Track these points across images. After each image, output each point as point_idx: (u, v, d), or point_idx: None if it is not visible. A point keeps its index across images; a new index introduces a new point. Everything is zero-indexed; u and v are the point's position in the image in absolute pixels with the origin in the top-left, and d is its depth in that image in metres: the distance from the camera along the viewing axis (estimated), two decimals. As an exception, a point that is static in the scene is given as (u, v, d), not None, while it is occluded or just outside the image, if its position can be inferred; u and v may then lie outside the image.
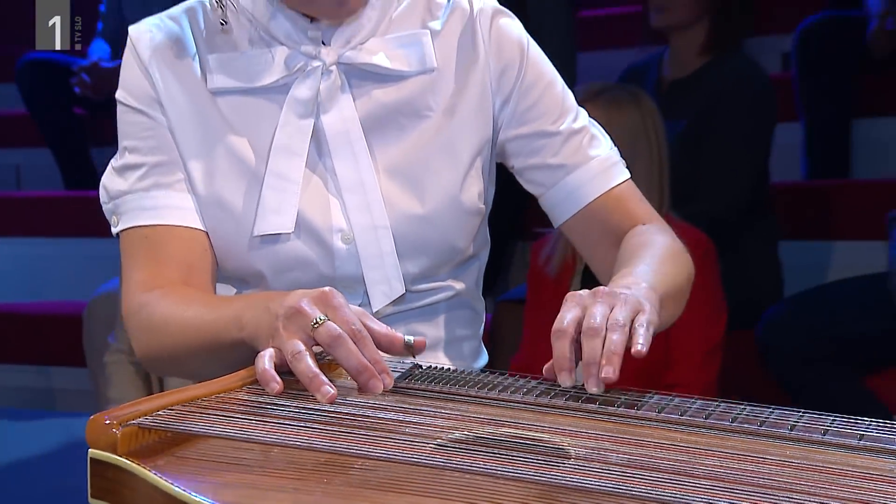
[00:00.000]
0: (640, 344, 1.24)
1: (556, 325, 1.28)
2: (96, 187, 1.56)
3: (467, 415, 1.20)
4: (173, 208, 1.52)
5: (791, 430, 1.16)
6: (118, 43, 5.50)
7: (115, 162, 1.57)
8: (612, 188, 1.59)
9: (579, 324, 1.26)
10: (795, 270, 3.89)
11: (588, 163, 1.59)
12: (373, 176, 1.51)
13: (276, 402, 1.21)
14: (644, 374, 3.08)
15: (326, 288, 1.30)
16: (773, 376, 3.33)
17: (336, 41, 1.51)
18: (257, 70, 1.52)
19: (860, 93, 4.40)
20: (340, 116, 1.51)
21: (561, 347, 1.26)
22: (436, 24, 1.56)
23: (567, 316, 1.28)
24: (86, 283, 4.64)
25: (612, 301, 1.28)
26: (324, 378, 1.22)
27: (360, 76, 1.53)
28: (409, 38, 1.54)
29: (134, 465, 1.06)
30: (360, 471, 1.06)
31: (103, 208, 1.58)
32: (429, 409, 1.21)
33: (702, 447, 1.12)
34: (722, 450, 1.12)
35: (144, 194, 1.52)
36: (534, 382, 1.30)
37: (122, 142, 1.56)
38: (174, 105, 1.53)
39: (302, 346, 1.24)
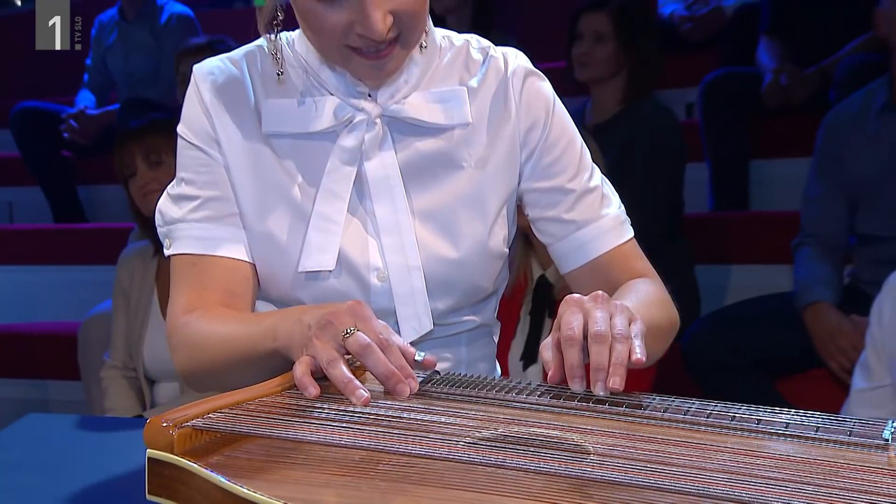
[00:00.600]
0: (639, 354, 1.20)
1: (564, 331, 1.22)
2: (83, 221, 1.53)
3: (491, 415, 1.17)
4: (221, 240, 1.47)
5: (786, 427, 1.14)
6: (103, 93, 5.58)
7: (171, 190, 1.52)
8: (618, 245, 1.56)
9: (584, 328, 1.22)
10: (702, 290, 3.95)
11: (599, 220, 1.55)
12: (409, 220, 1.47)
13: (314, 405, 1.17)
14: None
15: (354, 300, 1.27)
16: (697, 382, 3.36)
17: (381, 96, 1.48)
18: (309, 117, 1.47)
19: (756, 137, 4.49)
20: (382, 164, 1.47)
21: (572, 356, 1.21)
22: (473, 82, 1.52)
23: (574, 322, 1.23)
24: (74, 306, 4.66)
25: (610, 307, 1.25)
26: (357, 383, 1.19)
27: (401, 128, 1.49)
28: (449, 93, 1.50)
29: (191, 463, 1.02)
30: (398, 467, 1.03)
31: (158, 231, 1.53)
32: (454, 410, 1.18)
33: (709, 443, 1.10)
34: (727, 445, 1.09)
35: (196, 224, 1.48)
36: (546, 386, 1.26)
37: (180, 172, 1.51)
38: (231, 145, 1.49)
39: (336, 354, 1.21)
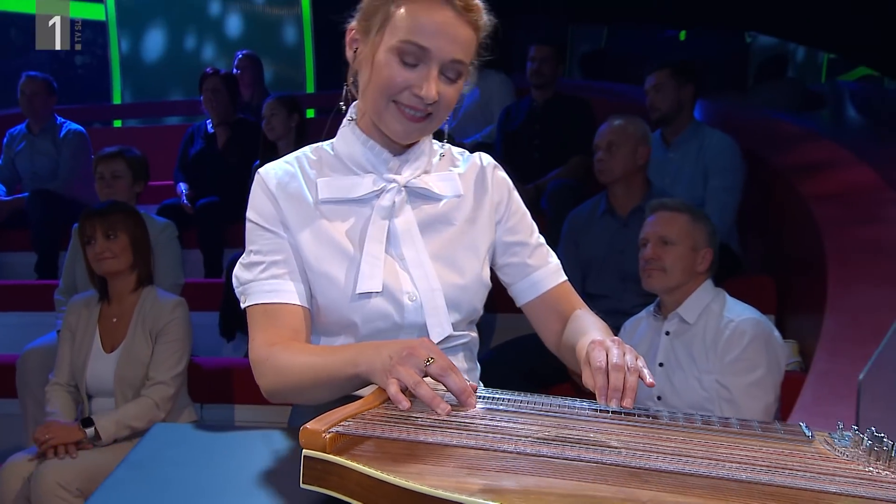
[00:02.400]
0: (650, 379, 1.35)
1: (596, 364, 1.35)
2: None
3: (539, 421, 1.24)
4: (284, 292, 1.55)
5: (740, 427, 1.26)
6: (11, 185, 5.90)
7: (243, 261, 1.59)
8: (561, 283, 1.74)
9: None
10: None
11: (547, 265, 1.73)
12: (427, 258, 1.59)
13: (410, 414, 1.23)
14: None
15: (423, 338, 1.37)
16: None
17: (404, 172, 1.61)
18: (352, 187, 1.60)
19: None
20: (406, 220, 1.60)
21: (602, 380, 1.33)
22: (459, 169, 1.69)
23: (601, 357, 1.36)
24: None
25: (623, 348, 1.39)
26: (440, 398, 1.26)
27: (417, 195, 1.63)
28: (447, 175, 1.67)
29: (342, 459, 1.08)
30: (496, 460, 1.08)
31: (235, 290, 1.60)
32: (511, 417, 1.25)
33: (706, 440, 1.19)
34: (717, 440, 1.19)
35: (265, 282, 1.55)
36: (567, 399, 1.36)
37: (250, 246, 1.59)
38: (292, 218, 1.57)
39: (419, 378, 1.28)
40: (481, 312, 1.68)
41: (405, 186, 1.60)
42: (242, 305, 1.57)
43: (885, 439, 1.16)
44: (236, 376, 4.11)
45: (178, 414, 3.46)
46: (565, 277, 1.74)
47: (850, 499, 1.01)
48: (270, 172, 1.60)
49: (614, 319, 3.25)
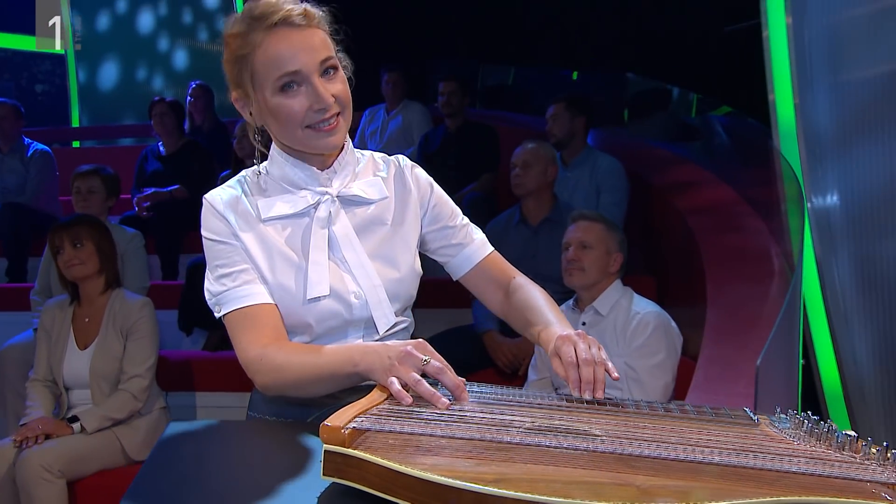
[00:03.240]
0: (616, 374, 1.33)
1: (567, 359, 1.34)
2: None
3: (527, 411, 1.19)
4: (257, 294, 1.45)
5: (698, 413, 1.23)
6: None
7: (210, 276, 1.47)
8: (489, 254, 1.67)
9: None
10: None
11: (473, 241, 1.66)
12: (366, 258, 1.51)
13: (412, 409, 1.17)
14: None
15: (419, 340, 1.29)
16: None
17: (335, 183, 1.52)
18: (289, 203, 1.50)
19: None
20: (343, 226, 1.51)
21: (574, 374, 1.32)
22: (382, 174, 1.59)
23: (571, 353, 1.34)
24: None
25: (588, 340, 1.37)
26: (439, 394, 1.20)
27: (349, 202, 1.53)
28: (372, 181, 1.57)
29: (361, 453, 1.01)
30: (500, 451, 1.03)
31: (208, 302, 1.48)
32: (503, 409, 1.19)
33: (674, 426, 1.16)
34: (682, 426, 1.16)
35: (238, 289, 1.44)
36: (544, 393, 1.31)
37: (213, 262, 1.47)
38: (243, 233, 1.47)
39: (418, 376, 1.22)
40: (415, 298, 1.62)
41: (337, 196, 1.51)
42: (219, 315, 1.46)
43: (820, 422, 1.15)
44: (196, 367, 3.97)
45: (151, 403, 3.32)
46: (492, 249, 1.68)
47: (809, 477, 0.99)
48: (216, 197, 1.49)
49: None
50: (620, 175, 4.15)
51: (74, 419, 3.12)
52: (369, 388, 1.27)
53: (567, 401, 1.27)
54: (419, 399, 1.20)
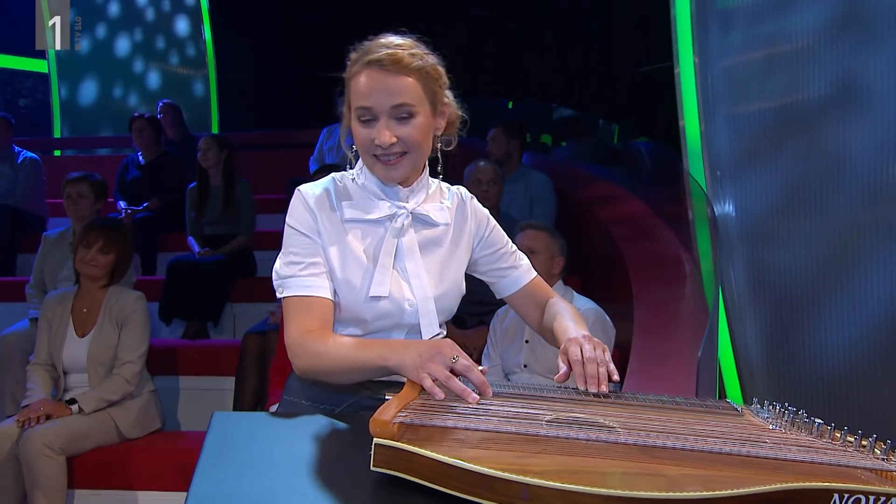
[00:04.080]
0: (616, 376, 1.28)
1: (573, 357, 1.30)
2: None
3: (543, 404, 1.13)
4: (319, 287, 1.37)
5: (690, 404, 1.18)
6: None
7: (283, 259, 1.40)
8: (533, 278, 1.61)
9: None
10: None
11: (521, 266, 1.60)
12: (423, 272, 1.44)
13: (445, 403, 1.09)
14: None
15: (448, 339, 1.22)
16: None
17: (410, 201, 1.44)
18: (370, 210, 1.43)
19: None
20: (410, 240, 1.43)
21: (580, 370, 1.28)
22: (447, 202, 1.51)
23: (577, 353, 1.30)
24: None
25: (593, 342, 1.32)
26: (469, 389, 1.13)
27: (418, 220, 1.46)
28: (440, 206, 1.49)
29: (411, 446, 0.93)
30: (535, 444, 0.97)
31: (274, 283, 1.41)
32: (524, 403, 1.13)
33: (677, 417, 1.11)
34: (684, 417, 1.11)
35: (304, 278, 1.37)
36: (560, 387, 1.25)
37: (290, 248, 1.40)
38: (324, 229, 1.40)
39: (448, 373, 1.14)
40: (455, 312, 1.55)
41: (411, 213, 1.44)
42: (280, 295, 1.39)
43: (799, 412, 1.12)
44: (179, 354, 3.79)
45: (142, 386, 3.15)
46: (536, 273, 1.62)
47: (807, 465, 0.96)
48: (309, 191, 1.42)
49: (479, 307, 3.17)
50: (550, 189, 4.15)
51: (73, 401, 2.95)
52: (393, 381, 1.19)
53: (576, 394, 1.22)
54: (449, 394, 1.13)
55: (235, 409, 3.48)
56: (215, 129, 8.19)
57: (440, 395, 1.11)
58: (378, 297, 1.39)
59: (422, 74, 1.36)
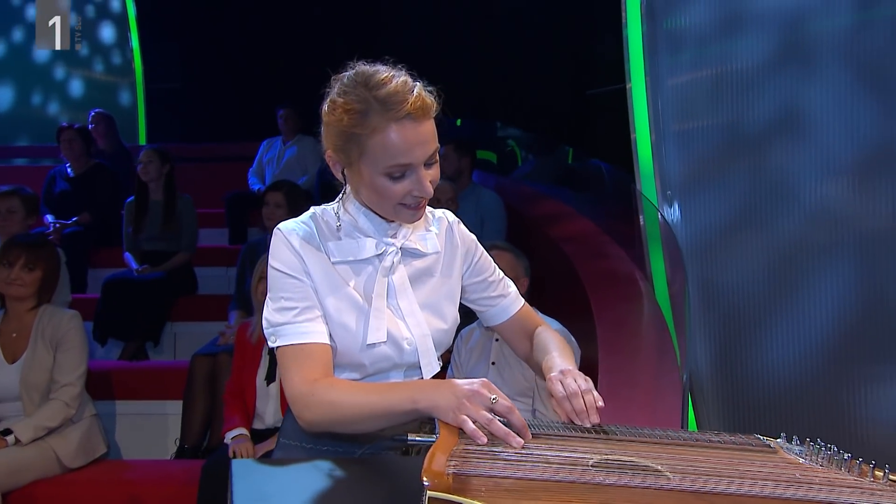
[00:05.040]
0: (601, 402, 1.22)
1: (558, 394, 1.23)
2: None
3: (587, 446, 1.07)
4: (316, 333, 1.27)
5: (722, 441, 1.15)
6: None
7: (272, 305, 1.29)
8: (522, 307, 1.54)
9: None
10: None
11: (509, 294, 1.53)
12: (417, 307, 1.35)
13: (489, 449, 1.03)
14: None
15: (484, 379, 1.14)
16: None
17: (398, 236, 1.36)
18: (359, 250, 1.33)
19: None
20: (400, 276, 1.35)
21: (567, 406, 1.22)
22: (434, 229, 1.43)
23: (559, 389, 1.24)
24: None
25: (575, 375, 1.26)
26: (512, 433, 1.06)
27: (407, 253, 1.37)
28: (426, 235, 1.41)
29: (470, 500, 0.87)
30: (591, 492, 0.92)
31: (265, 331, 1.30)
32: (564, 445, 1.07)
33: (714, 456, 1.07)
34: (722, 455, 1.07)
35: (299, 325, 1.26)
36: (576, 425, 1.20)
37: (280, 293, 1.29)
38: (314, 272, 1.30)
39: (490, 415, 1.07)
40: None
41: (401, 248, 1.36)
42: (274, 345, 1.28)
43: (833, 448, 1.10)
44: (117, 376, 3.59)
45: (82, 410, 2.94)
46: (524, 301, 1.56)
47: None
48: (292, 231, 1.31)
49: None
50: (500, 207, 4.14)
51: (7, 431, 2.72)
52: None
53: (605, 433, 1.17)
54: (491, 437, 1.06)
55: (183, 435, 3.31)
56: (143, 141, 7.87)
57: (483, 439, 1.04)
58: (376, 343, 1.30)
59: (434, 113, 1.28)
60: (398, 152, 1.22)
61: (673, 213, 3.49)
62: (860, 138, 3.15)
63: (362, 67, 1.27)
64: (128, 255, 4.31)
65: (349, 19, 6.67)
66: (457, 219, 1.50)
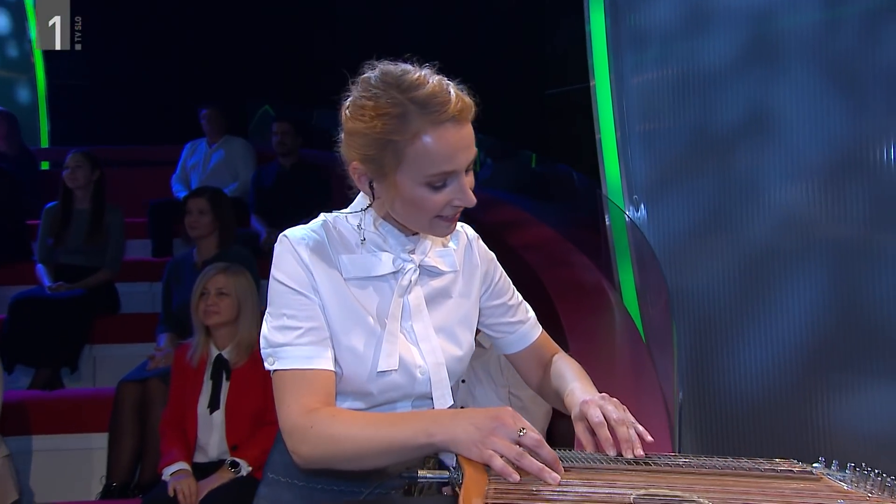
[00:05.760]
0: (647, 434, 1.20)
1: (595, 420, 1.20)
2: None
3: (624, 479, 1.03)
4: (321, 358, 1.20)
5: (764, 470, 1.13)
6: None
7: (273, 322, 1.22)
8: (541, 334, 1.49)
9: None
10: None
11: (528, 320, 1.47)
12: (433, 332, 1.30)
13: (523, 486, 0.98)
14: (255, 417, 2.80)
15: (507, 407, 1.09)
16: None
17: (417, 252, 1.30)
18: (373, 266, 1.27)
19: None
20: (417, 296, 1.29)
21: (605, 433, 1.18)
22: (452, 245, 1.37)
23: (598, 415, 1.20)
24: None
25: (613, 402, 1.24)
26: (546, 467, 1.02)
27: (425, 272, 1.32)
28: (445, 251, 1.35)
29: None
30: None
31: (262, 352, 1.23)
32: (600, 480, 1.03)
33: (762, 486, 1.05)
34: (770, 486, 1.06)
35: (302, 347, 1.20)
36: (609, 454, 1.16)
37: (281, 309, 1.22)
38: (324, 287, 1.23)
39: (519, 448, 1.02)
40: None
41: (419, 266, 1.30)
42: (271, 367, 1.21)
43: (883, 475, 1.09)
44: (31, 408, 3.39)
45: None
46: (541, 328, 1.50)
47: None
48: (300, 241, 1.24)
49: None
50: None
51: None
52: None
53: (633, 463, 1.13)
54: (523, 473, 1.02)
55: (109, 472, 3.15)
56: (45, 143, 7.54)
57: (515, 476, 1.00)
58: (386, 371, 1.25)
59: (473, 115, 1.22)
60: (442, 159, 1.16)
61: (640, 217, 3.52)
62: (830, 139, 3.25)
63: (387, 67, 1.20)
64: (40, 269, 4.10)
65: (276, 14, 6.54)
66: (476, 234, 1.44)
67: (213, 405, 2.82)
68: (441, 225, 1.23)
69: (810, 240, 3.29)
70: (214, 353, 2.88)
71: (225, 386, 2.83)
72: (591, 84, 3.52)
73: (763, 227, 3.35)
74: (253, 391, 2.80)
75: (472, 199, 1.20)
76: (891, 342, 3.15)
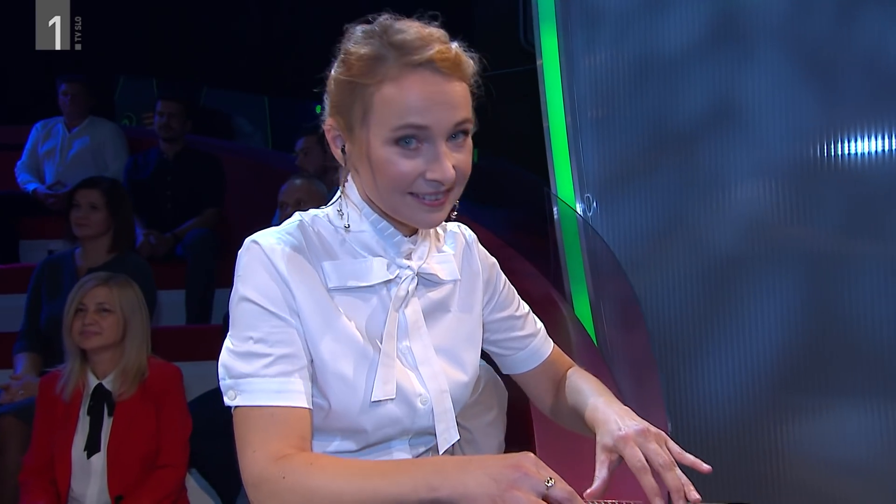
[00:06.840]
0: (706, 465, 1.14)
1: (637, 464, 1.10)
2: None
3: None
4: (294, 392, 1.08)
5: None
6: None
7: (236, 347, 1.10)
8: (554, 348, 1.40)
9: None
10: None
11: (539, 333, 1.39)
12: (433, 353, 1.20)
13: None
14: (146, 460, 2.57)
15: (528, 454, 0.97)
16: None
17: (415, 256, 1.20)
18: (362, 273, 1.16)
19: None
20: (414, 310, 1.20)
21: (650, 481, 1.09)
22: (448, 248, 1.28)
23: (638, 456, 1.11)
24: None
25: (651, 435, 1.13)
26: None
27: (423, 281, 1.21)
28: (444, 257, 1.25)
29: None
30: None
31: (221, 383, 1.10)
32: None
33: None
34: None
35: (271, 379, 1.08)
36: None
37: (248, 332, 1.10)
38: (304, 304, 1.11)
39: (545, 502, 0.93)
40: None
41: (417, 273, 1.18)
42: (231, 402, 1.07)
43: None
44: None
45: None
46: (552, 342, 1.41)
47: None
48: (275, 247, 1.11)
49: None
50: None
51: None
52: None
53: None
54: None
55: (-48, 532, 2.80)
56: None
57: None
58: (383, 401, 1.13)
59: (470, 79, 1.14)
60: (411, 109, 1.08)
61: (590, 219, 3.43)
62: (802, 133, 3.24)
63: (385, 19, 1.14)
64: None
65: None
66: (474, 236, 1.34)
67: (92, 447, 2.63)
68: (417, 207, 1.12)
69: (780, 245, 3.28)
70: (93, 382, 2.66)
71: (107, 423, 2.65)
72: (538, 62, 3.40)
73: (727, 230, 3.32)
74: (142, 429, 2.63)
75: (448, 172, 1.09)
76: (868, 359, 3.16)
